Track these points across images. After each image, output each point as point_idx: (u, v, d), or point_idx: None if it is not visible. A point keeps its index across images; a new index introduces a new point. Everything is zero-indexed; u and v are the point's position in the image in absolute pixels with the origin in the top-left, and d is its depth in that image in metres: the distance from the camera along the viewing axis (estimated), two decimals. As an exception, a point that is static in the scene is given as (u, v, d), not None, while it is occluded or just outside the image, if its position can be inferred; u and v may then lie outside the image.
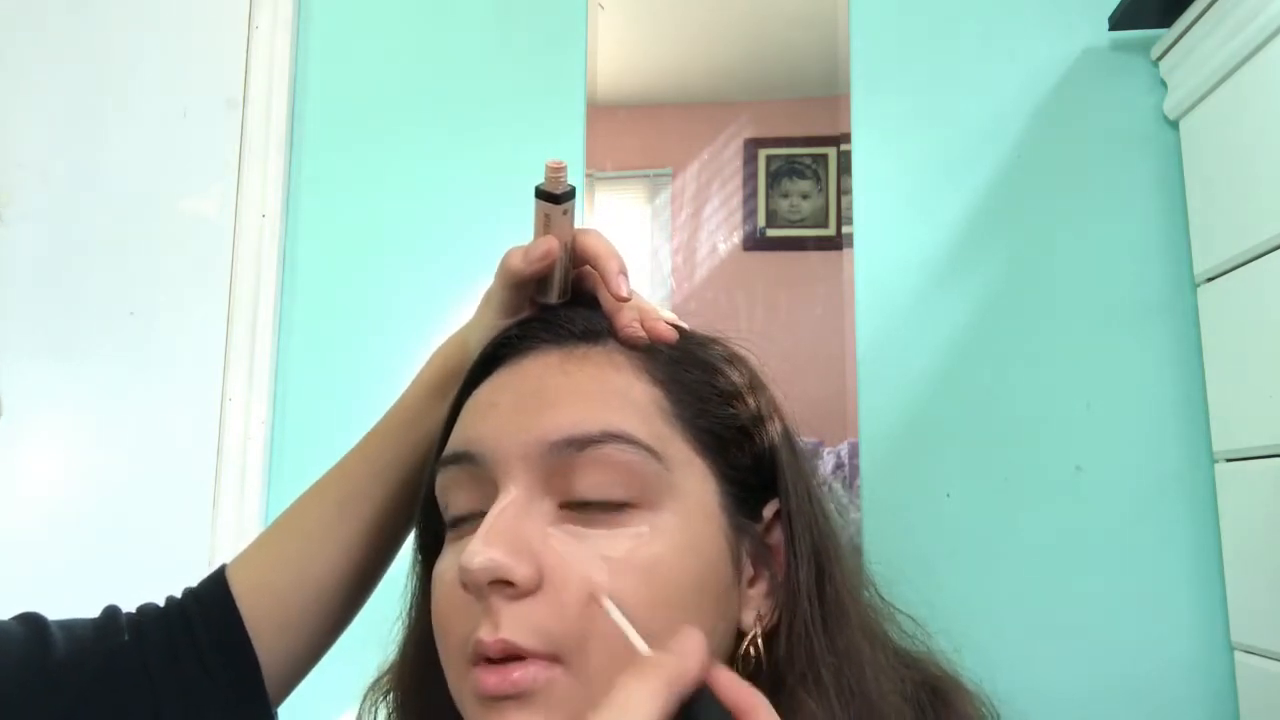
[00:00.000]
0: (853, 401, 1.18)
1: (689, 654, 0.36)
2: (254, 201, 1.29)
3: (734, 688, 0.36)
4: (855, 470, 1.16)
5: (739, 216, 1.27)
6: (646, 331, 0.49)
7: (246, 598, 0.55)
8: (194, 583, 0.58)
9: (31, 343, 1.27)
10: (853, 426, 1.17)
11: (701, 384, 0.49)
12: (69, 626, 0.53)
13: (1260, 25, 0.98)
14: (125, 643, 0.53)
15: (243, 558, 0.59)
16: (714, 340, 0.54)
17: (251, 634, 0.55)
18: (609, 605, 0.41)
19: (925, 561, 1.11)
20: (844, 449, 1.17)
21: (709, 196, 1.27)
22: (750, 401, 0.51)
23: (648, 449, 0.45)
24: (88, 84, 1.34)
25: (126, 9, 1.36)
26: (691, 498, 0.46)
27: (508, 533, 0.42)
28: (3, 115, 1.33)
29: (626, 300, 0.50)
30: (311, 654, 0.58)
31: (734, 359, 0.53)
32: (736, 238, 1.26)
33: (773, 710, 0.35)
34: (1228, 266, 1.06)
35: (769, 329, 1.22)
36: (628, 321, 0.49)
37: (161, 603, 0.57)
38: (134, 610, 0.56)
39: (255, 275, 1.27)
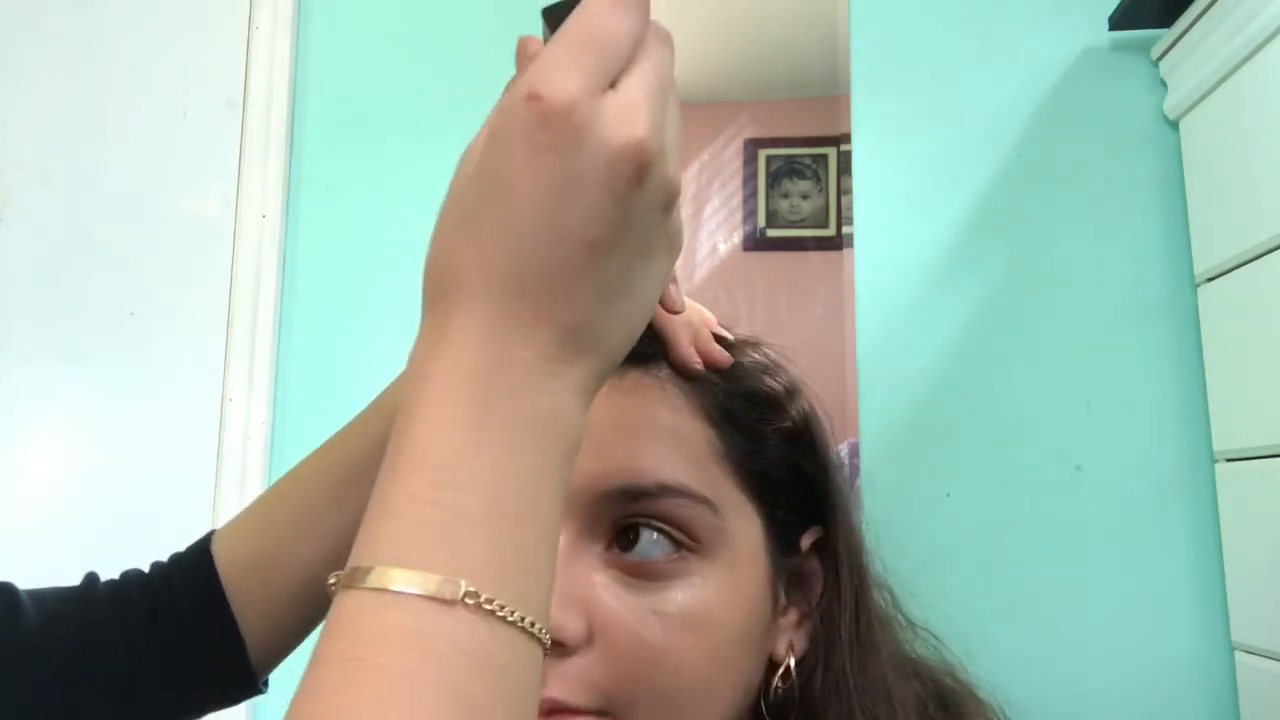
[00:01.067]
0: (853, 401, 1.18)
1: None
2: (254, 202, 1.29)
3: None
4: (855, 470, 1.16)
5: (739, 217, 1.27)
6: (701, 356, 0.47)
7: (230, 575, 0.53)
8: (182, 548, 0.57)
9: (31, 343, 1.27)
10: (853, 426, 1.17)
11: (752, 421, 0.47)
12: (41, 596, 0.51)
13: (1260, 25, 0.98)
14: (104, 612, 0.52)
15: (230, 529, 0.56)
16: (750, 344, 0.52)
17: (235, 612, 0.53)
18: None
19: (925, 562, 1.10)
20: (844, 449, 1.17)
21: (709, 196, 1.27)
22: (794, 423, 0.49)
23: (704, 501, 0.43)
24: (88, 84, 1.34)
25: (126, 9, 1.36)
26: (740, 544, 0.45)
27: (556, 587, 0.41)
28: (3, 115, 1.33)
29: (681, 312, 0.46)
30: (296, 634, 0.55)
31: (774, 369, 0.51)
32: (736, 238, 1.26)
33: None
34: (1228, 266, 1.06)
35: (769, 329, 1.22)
36: (686, 350, 0.47)
37: (146, 569, 0.56)
38: (117, 577, 0.55)
39: (255, 275, 1.27)
